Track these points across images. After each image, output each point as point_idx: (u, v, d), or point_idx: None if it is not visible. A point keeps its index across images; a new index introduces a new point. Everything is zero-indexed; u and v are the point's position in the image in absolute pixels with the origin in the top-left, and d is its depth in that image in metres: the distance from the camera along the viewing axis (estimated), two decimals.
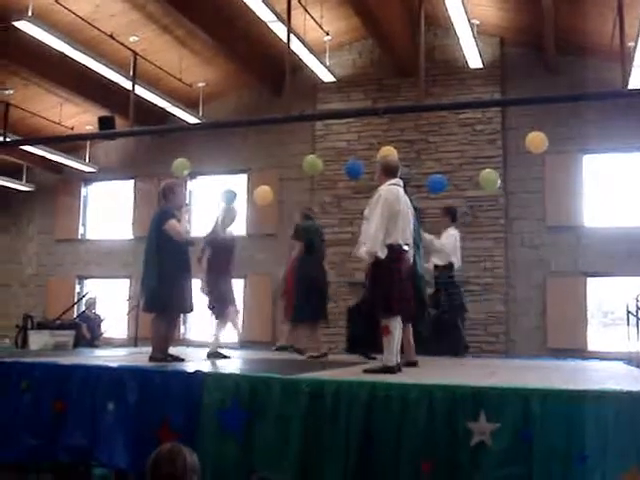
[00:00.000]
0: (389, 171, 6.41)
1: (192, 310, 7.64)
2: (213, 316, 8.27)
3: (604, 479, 4.17)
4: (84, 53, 11.26)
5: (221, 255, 8.20)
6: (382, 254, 5.92)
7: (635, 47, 9.91)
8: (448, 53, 13.58)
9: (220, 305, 8.17)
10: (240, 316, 9.65)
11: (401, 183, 6.40)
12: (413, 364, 7.07)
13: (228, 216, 8.42)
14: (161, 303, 7.13)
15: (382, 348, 6.05)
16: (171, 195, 7.45)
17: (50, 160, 15.66)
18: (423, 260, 7.98)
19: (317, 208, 13.94)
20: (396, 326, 5.99)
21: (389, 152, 9.13)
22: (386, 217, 5.99)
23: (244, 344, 12.63)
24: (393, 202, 6.10)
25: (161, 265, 7.13)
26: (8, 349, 12.44)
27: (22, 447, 5.78)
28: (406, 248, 6.21)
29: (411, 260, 6.46)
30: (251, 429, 4.94)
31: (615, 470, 4.16)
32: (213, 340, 8.28)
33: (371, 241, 5.97)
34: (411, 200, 6.65)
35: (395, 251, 6.03)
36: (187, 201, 8.03)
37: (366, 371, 5.88)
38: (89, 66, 11.72)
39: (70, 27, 11.33)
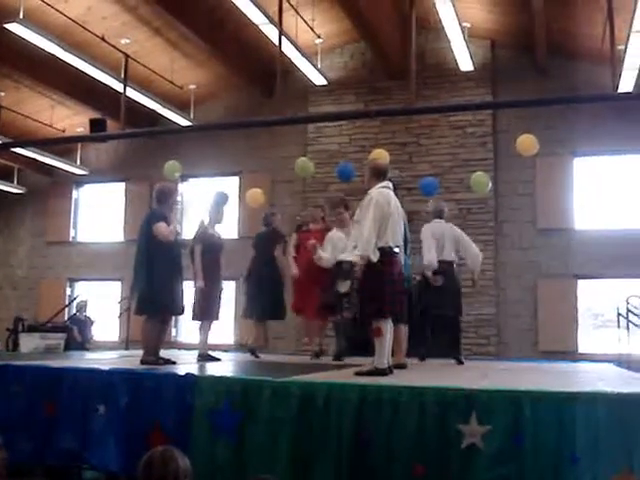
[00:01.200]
0: (379, 174, 6.40)
1: (183, 312, 7.62)
2: (197, 318, 8.20)
3: None
4: (75, 55, 11.25)
5: (210, 253, 8.15)
6: (374, 257, 5.93)
7: (625, 50, 9.96)
8: (439, 56, 13.62)
9: (205, 305, 8.09)
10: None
11: (391, 185, 6.39)
12: (402, 366, 7.09)
13: (216, 215, 8.38)
14: (152, 305, 7.11)
15: (373, 351, 6.05)
16: (165, 198, 7.42)
17: (41, 162, 15.63)
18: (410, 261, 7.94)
19: (308, 211, 13.96)
20: (387, 328, 5.99)
21: (380, 155, 9.14)
22: (377, 220, 5.99)
23: (237, 347, 12.64)
24: (384, 205, 6.08)
25: (151, 267, 7.10)
26: None
27: (14, 451, 5.75)
28: (397, 250, 6.21)
29: (402, 262, 6.46)
30: (243, 431, 4.94)
31: (606, 471, 4.17)
32: (201, 342, 8.25)
33: (363, 244, 5.97)
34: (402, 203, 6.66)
35: (386, 253, 6.02)
36: (177, 191, 7.92)
37: (357, 373, 5.88)
38: (80, 68, 11.71)
39: (61, 29, 11.32)
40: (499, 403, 4.43)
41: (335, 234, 8.29)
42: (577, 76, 12.68)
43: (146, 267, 7.11)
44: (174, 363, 7.17)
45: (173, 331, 14.79)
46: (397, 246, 6.21)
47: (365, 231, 5.98)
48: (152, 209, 7.53)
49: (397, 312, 6.18)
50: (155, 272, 7.05)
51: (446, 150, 13.69)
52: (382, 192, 6.20)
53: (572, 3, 11.33)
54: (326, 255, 7.95)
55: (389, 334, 6.03)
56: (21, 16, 10.11)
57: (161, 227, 7.12)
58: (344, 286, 7.63)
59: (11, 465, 5.71)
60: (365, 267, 5.99)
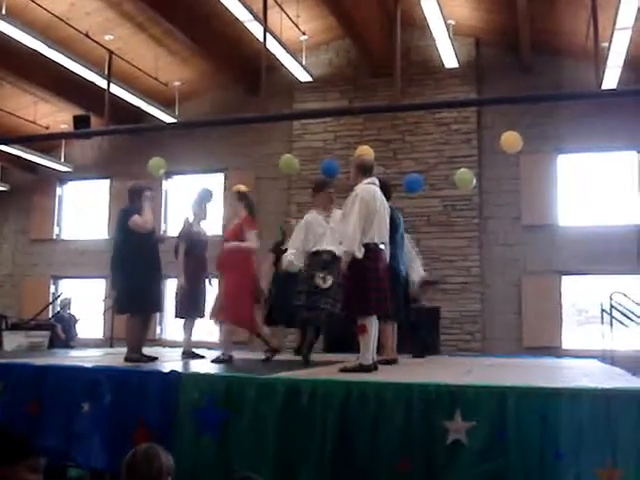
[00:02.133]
0: (365, 170, 6.38)
1: (162, 309, 7.63)
2: (181, 315, 8.18)
3: (579, 476, 4.19)
4: (59, 52, 11.19)
5: (195, 250, 8.13)
6: (359, 253, 5.91)
7: (609, 48, 10.01)
8: (424, 53, 13.63)
9: (189, 303, 8.07)
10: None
11: (377, 182, 6.38)
12: (390, 362, 7.11)
13: (200, 212, 8.36)
14: (131, 303, 7.10)
15: (359, 348, 6.04)
16: (137, 198, 7.42)
17: (25, 159, 15.54)
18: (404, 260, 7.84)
19: (294, 207, 13.95)
20: (372, 325, 5.98)
21: (365, 151, 9.14)
22: (363, 216, 5.96)
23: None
24: (370, 201, 6.06)
25: (129, 265, 7.09)
26: None
27: None
28: (382, 247, 6.20)
29: (388, 259, 6.44)
30: (228, 428, 4.93)
31: (590, 467, 4.18)
32: (185, 340, 8.23)
33: (348, 240, 5.95)
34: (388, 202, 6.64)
35: (371, 250, 6.00)
36: (149, 187, 7.79)
37: (342, 370, 5.87)
38: (64, 65, 11.64)
39: (45, 25, 11.26)
40: (483, 399, 4.44)
41: (314, 217, 7.53)
42: (561, 73, 12.74)
43: (124, 265, 7.12)
44: (156, 359, 7.16)
45: (157, 329, 14.75)
46: (383, 242, 6.21)
47: (350, 227, 5.96)
48: (123, 208, 7.51)
49: (383, 309, 6.13)
50: (133, 270, 7.05)
51: (431, 147, 13.72)
52: (368, 188, 6.19)
53: (556, 1, 11.38)
54: (291, 257, 7.52)
55: (374, 330, 6.02)
56: (4, 12, 10.04)
57: (137, 220, 7.17)
58: (326, 280, 6.95)
59: None
60: (350, 263, 5.97)
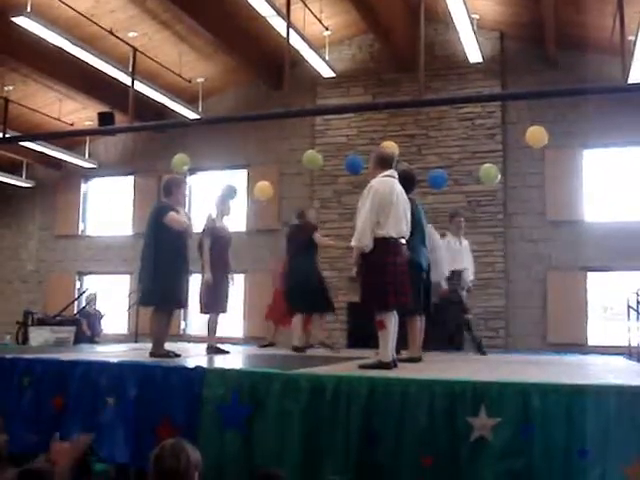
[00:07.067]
0: (383, 162, 6.24)
1: (186, 306, 7.64)
2: (205, 310, 8.20)
3: (605, 473, 4.17)
4: (83, 49, 11.24)
5: (219, 246, 8.15)
6: (368, 248, 5.83)
7: (635, 41, 9.88)
8: (448, 48, 13.56)
9: (213, 298, 8.09)
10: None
11: (396, 175, 6.26)
12: (415, 360, 7.03)
13: (223, 208, 8.38)
14: (156, 297, 7.12)
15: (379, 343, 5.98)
16: (175, 189, 7.43)
17: (50, 156, 15.68)
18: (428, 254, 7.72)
19: (317, 203, 13.95)
20: (391, 321, 5.88)
21: (390, 147, 9.11)
22: (376, 209, 5.86)
23: (245, 340, 12.64)
24: (385, 193, 5.94)
25: (158, 260, 7.11)
26: (9, 345, 12.46)
27: (23, 443, 5.77)
28: (402, 241, 6.07)
29: (407, 253, 6.30)
30: (252, 424, 4.94)
31: (616, 464, 4.15)
32: (210, 335, 8.25)
33: (359, 233, 5.86)
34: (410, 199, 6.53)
35: (389, 244, 5.90)
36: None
37: (361, 367, 5.81)
38: (88, 62, 11.70)
39: (69, 23, 11.32)
40: (508, 396, 4.42)
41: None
42: (587, 68, 12.60)
43: (152, 260, 7.13)
44: (179, 356, 7.16)
45: (182, 324, 14.82)
46: (402, 237, 6.09)
47: (361, 220, 5.89)
48: (158, 201, 7.49)
49: (403, 304, 6.03)
50: (161, 265, 7.06)
51: (455, 142, 13.64)
52: (384, 181, 6.07)
53: None
54: None
55: (393, 327, 5.94)
56: (29, 10, 10.11)
57: (174, 217, 7.15)
58: None
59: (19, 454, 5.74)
60: (366, 258, 5.90)
